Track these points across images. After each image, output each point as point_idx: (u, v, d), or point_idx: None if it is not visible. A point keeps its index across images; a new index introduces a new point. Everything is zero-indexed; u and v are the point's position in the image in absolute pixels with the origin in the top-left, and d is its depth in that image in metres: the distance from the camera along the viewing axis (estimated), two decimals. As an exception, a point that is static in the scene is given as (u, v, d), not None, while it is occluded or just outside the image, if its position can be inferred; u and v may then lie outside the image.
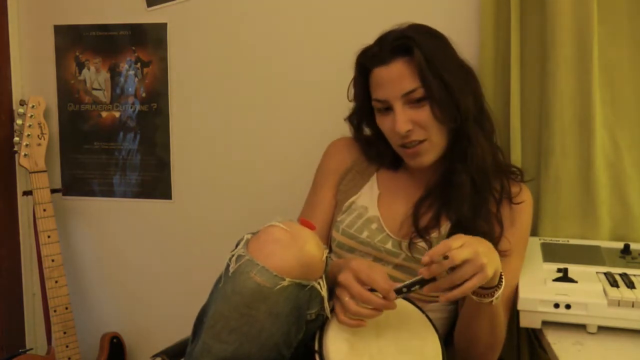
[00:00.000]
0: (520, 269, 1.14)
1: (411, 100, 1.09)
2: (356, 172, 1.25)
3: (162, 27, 1.63)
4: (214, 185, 1.67)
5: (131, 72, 1.66)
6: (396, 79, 1.08)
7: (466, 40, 1.35)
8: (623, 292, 1.03)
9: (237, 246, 0.91)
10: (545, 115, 1.35)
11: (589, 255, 1.22)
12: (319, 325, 0.96)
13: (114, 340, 1.71)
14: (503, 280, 0.98)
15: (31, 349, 1.74)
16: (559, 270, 1.13)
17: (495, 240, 1.08)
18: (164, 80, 1.65)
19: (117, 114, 1.69)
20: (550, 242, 1.31)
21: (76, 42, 1.68)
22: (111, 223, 1.74)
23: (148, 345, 1.75)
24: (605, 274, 1.12)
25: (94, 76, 1.69)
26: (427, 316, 1.02)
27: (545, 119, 1.35)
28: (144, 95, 1.67)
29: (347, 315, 0.93)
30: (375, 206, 1.20)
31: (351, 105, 1.24)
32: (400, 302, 0.96)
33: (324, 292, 0.92)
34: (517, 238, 1.14)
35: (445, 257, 0.87)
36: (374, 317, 0.93)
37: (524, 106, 1.38)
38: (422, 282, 0.92)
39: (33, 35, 1.70)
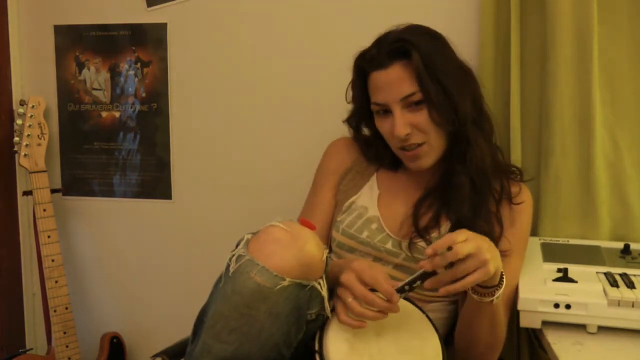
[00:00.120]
0: (520, 269, 1.14)
1: (410, 104, 1.09)
2: (356, 172, 1.25)
3: (162, 27, 1.63)
4: (214, 185, 1.67)
5: (131, 72, 1.66)
6: (395, 82, 1.08)
7: (466, 40, 1.36)
8: (623, 292, 1.03)
9: (237, 246, 0.91)
10: (545, 115, 1.35)
11: (589, 255, 1.22)
12: (319, 325, 0.96)
13: (114, 340, 1.71)
14: (504, 279, 0.98)
15: (31, 349, 1.74)
16: (559, 270, 1.13)
17: (495, 241, 1.07)
18: (164, 80, 1.65)
19: (117, 114, 1.69)
20: (550, 242, 1.31)
21: (76, 42, 1.68)
22: (111, 223, 1.74)
23: (148, 345, 1.75)
24: (605, 274, 1.12)
25: (94, 76, 1.69)
26: (427, 316, 1.02)
27: (545, 119, 1.35)
28: (144, 95, 1.67)
29: (348, 315, 0.93)
30: (375, 206, 1.20)
31: (350, 106, 1.24)
32: (401, 302, 0.96)
33: (324, 292, 0.92)
34: (517, 238, 1.14)
35: (449, 249, 0.88)
36: (377, 319, 0.93)
37: (524, 106, 1.38)
38: (424, 277, 0.92)
39: (33, 35, 1.70)
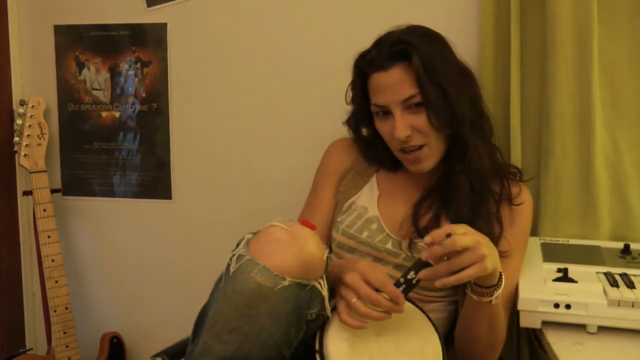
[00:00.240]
0: (520, 269, 1.14)
1: (410, 106, 1.09)
2: (356, 173, 1.26)
3: (162, 27, 1.63)
4: (214, 185, 1.67)
5: (131, 72, 1.66)
6: (395, 84, 1.08)
7: (466, 41, 1.36)
8: (623, 292, 1.03)
9: (237, 246, 0.91)
10: (545, 115, 1.35)
11: (589, 255, 1.22)
12: (320, 325, 0.96)
13: (114, 340, 1.71)
14: (503, 280, 0.98)
15: (31, 349, 1.74)
16: (559, 270, 1.13)
17: (495, 241, 1.07)
18: (164, 80, 1.65)
19: (117, 114, 1.69)
20: (550, 242, 1.31)
21: (76, 42, 1.68)
22: (111, 223, 1.74)
23: (148, 345, 1.75)
24: (605, 274, 1.12)
25: (94, 76, 1.69)
26: (427, 316, 1.02)
27: (545, 119, 1.35)
28: (144, 95, 1.67)
29: (350, 315, 0.93)
30: (375, 206, 1.20)
31: (351, 107, 1.23)
32: (401, 302, 0.96)
33: (325, 292, 0.93)
34: (517, 238, 1.14)
35: (448, 236, 0.88)
36: (382, 320, 0.94)
37: (524, 106, 1.38)
38: (419, 266, 0.92)
39: (33, 35, 1.70)
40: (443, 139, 1.12)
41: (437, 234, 0.89)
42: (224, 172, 1.65)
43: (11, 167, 1.71)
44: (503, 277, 0.99)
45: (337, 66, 1.26)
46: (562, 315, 1.04)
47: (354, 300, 0.93)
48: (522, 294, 1.06)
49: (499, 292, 0.98)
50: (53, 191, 1.65)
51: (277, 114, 1.60)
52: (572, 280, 1.09)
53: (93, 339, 1.72)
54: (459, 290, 1.13)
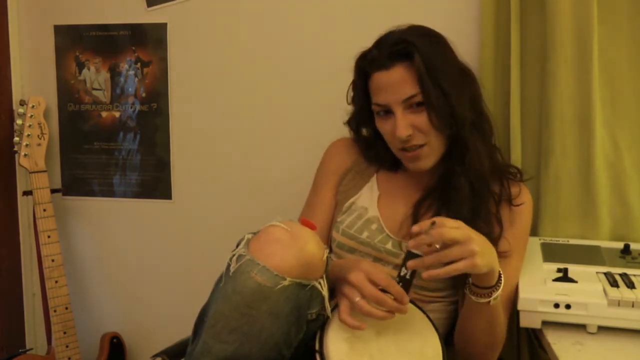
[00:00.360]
0: (519, 270, 1.14)
1: (411, 105, 1.09)
2: (356, 173, 1.26)
3: (162, 27, 1.63)
4: (214, 185, 1.67)
5: (131, 72, 1.66)
6: (397, 84, 1.08)
7: (466, 41, 1.36)
8: (623, 292, 1.03)
9: (237, 246, 0.91)
10: (545, 115, 1.35)
11: (589, 255, 1.22)
12: (320, 325, 0.96)
13: (114, 340, 1.71)
14: (502, 281, 0.98)
15: (31, 349, 1.74)
16: (559, 270, 1.13)
17: (495, 241, 1.08)
18: (164, 80, 1.65)
19: (117, 114, 1.69)
20: (550, 242, 1.31)
21: (76, 42, 1.68)
22: (111, 223, 1.74)
23: (148, 345, 1.75)
24: (605, 274, 1.12)
25: (94, 76, 1.69)
26: (427, 316, 1.02)
27: (545, 119, 1.35)
28: (144, 95, 1.67)
29: (351, 316, 0.93)
30: (375, 207, 1.20)
31: (351, 107, 1.23)
32: (401, 302, 0.96)
33: (325, 292, 0.93)
34: (517, 239, 1.14)
35: (433, 224, 0.89)
36: (385, 320, 0.94)
37: (524, 106, 1.38)
38: (408, 257, 0.93)
39: (33, 35, 1.70)
40: (443, 139, 1.12)
41: (424, 223, 0.91)
42: (224, 172, 1.65)
43: (11, 167, 1.71)
44: (502, 279, 0.99)
45: (337, 66, 1.26)
46: (562, 315, 1.04)
47: (357, 299, 0.93)
48: (522, 294, 1.06)
49: (497, 293, 0.98)
50: (53, 191, 1.65)
51: (277, 114, 1.60)
52: (572, 280, 1.09)
53: (93, 339, 1.72)
54: (459, 290, 1.13)
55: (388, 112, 1.11)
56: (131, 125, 1.68)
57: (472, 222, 1.09)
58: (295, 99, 1.58)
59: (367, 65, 1.13)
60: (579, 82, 1.31)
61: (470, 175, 1.12)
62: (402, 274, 0.94)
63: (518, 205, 1.15)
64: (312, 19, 1.55)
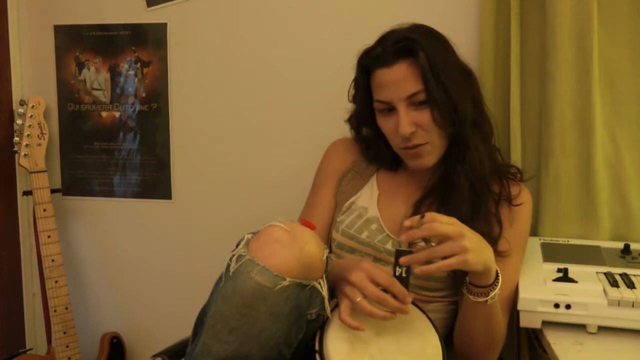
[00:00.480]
0: (519, 270, 1.14)
1: (414, 102, 1.09)
2: (356, 173, 1.26)
3: (162, 27, 1.63)
4: (214, 185, 1.67)
5: (131, 72, 1.66)
6: (400, 80, 1.08)
7: (466, 40, 1.35)
8: (623, 292, 1.03)
9: (237, 246, 0.91)
10: (545, 115, 1.35)
11: (589, 255, 1.22)
12: (320, 325, 0.96)
13: (114, 340, 1.71)
14: (499, 280, 0.98)
15: (31, 349, 1.74)
16: (559, 270, 1.13)
17: (494, 241, 1.08)
18: (164, 80, 1.65)
19: (117, 114, 1.69)
20: (550, 242, 1.31)
21: (76, 42, 1.68)
22: (111, 223, 1.74)
23: (148, 345, 1.75)
24: (605, 274, 1.12)
25: (94, 76, 1.69)
26: (427, 316, 1.02)
27: (545, 119, 1.35)
28: (144, 95, 1.67)
29: (351, 316, 0.93)
30: (375, 206, 1.20)
31: (351, 106, 1.23)
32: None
33: (325, 292, 0.93)
34: (517, 238, 1.14)
35: (422, 216, 0.89)
36: (386, 319, 0.94)
37: (524, 106, 1.38)
38: (398, 255, 0.93)
39: (33, 35, 1.70)
40: (445, 137, 1.12)
41: (415, 217, 0.91)
42: (224, 172, 1.65)
43: (11, 167, 1.71)
44: (500, 278, 0.99)
45: (337, 66, 1.26)
46: (562, 315, 1.04)
47: (358, 299, 0.93)
48: (522, 294, 1.06)
49: (494, 292, 0.98)
50: (53, 191, 1.65)
51: (277, 114, 1.60)
52: (572, 280, 1.09)
53: (93, 339, 1.72)
54: (459, 290, 1.13)
55: (390, 109, 1.11)
56: (131, 125, 1.68)
57: (472, 221, 1.09)
58: (295, 99, 1.58)
59: (369, 62, 1.13)
60: (579, 82, 1.31)
61: (470, 174, 1.12)
62: (397, 273, 0.94)
63: (518, 205, 1.15)
64: (312, 19, 1.55)
